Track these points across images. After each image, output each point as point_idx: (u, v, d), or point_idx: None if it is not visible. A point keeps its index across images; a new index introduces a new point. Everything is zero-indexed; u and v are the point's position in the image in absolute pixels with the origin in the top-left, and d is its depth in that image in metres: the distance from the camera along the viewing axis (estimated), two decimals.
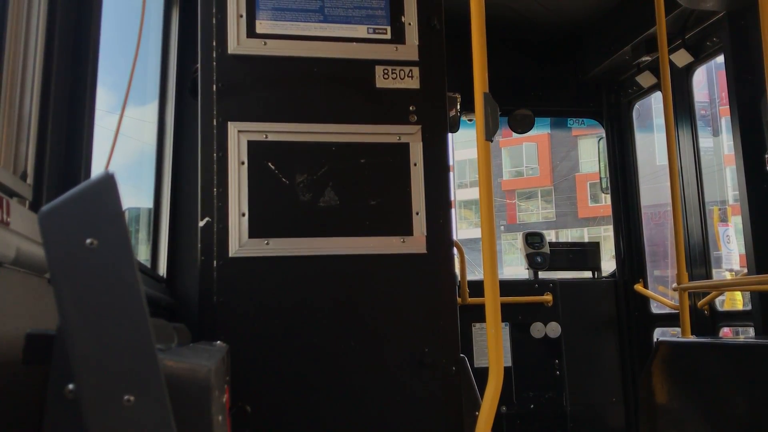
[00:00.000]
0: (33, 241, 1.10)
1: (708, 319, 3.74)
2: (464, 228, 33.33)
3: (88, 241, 0.83)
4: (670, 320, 4.17)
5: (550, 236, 27.13)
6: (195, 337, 2.00)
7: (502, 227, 32.39)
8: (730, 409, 2.48)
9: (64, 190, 0.87)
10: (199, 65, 2.12)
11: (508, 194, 34.54)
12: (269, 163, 2.09)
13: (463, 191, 34.17)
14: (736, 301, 7.48)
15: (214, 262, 2.02)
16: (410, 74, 2.21)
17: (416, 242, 2.14)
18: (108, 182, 0.84)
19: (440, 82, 2.24)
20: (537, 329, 4.12)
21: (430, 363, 2.09)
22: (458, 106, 3.45)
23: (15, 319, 1.08)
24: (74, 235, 0.82)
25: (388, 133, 2.17)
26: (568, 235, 31.18)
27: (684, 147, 3.99)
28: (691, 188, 3.95)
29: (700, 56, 3.81)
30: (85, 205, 0.83)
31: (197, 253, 2.05)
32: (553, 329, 4.12)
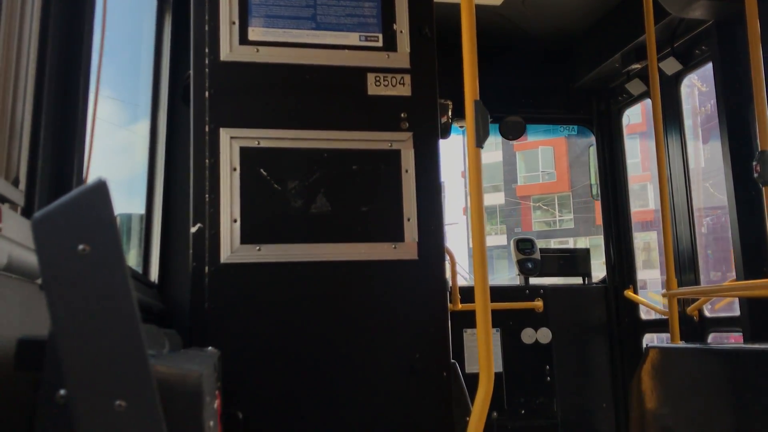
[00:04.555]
0: (25, 247, 1.10)
1: (697, 325, 3.77)
2: None
3: (81, 247, 0.83)
4: (660, 326, 4.19)
5: (568, 244, 25.85)
6: (186, 343, 2.00)
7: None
8: (719, 414, 2.50)
9: (57, 197, 0.87)
10: (191, 72, 2.13)
11: (523, 200, 33.30)
12: (261, 170, 2.10)
13: None
14: None
15: (206, 268, 2.02)
16: (402, 81, 2.23)
17: (408, 248, 2.15)
18: (100, 189, 0.85)
19: (432, 90, 2.25)
20: (528, 335, 4.14)
21: (421, 369, 2.10)
22: (450, 113, 3.46)
23: (7, 325, 1.08)
24: (66, 241, 0.83)
25: (380, 140, 2.18)
26: (587, 243, 29.52)
27: (673, 154, 4.02)
28: (680, 195, 3.98)
29: (689, 64, 3.85)
30: (78, 212, 0.84)
31: (189, 259, 2.05)
32: (544, 335, 4.14)
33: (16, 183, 1.27)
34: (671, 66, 3.86)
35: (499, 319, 4.01)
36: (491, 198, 33.51)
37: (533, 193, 33.37)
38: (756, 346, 2.51)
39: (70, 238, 0.83)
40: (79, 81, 1.53)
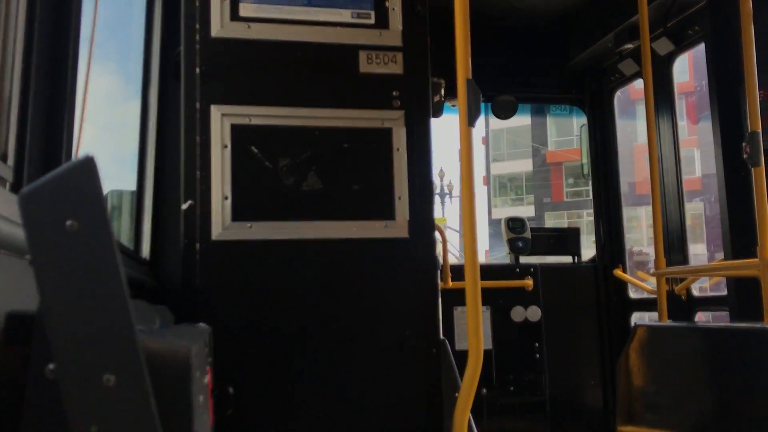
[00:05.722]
0: (13, 223, 1.10)
1: (685, 304, 3.81)
2: (498, 206, 29.59)
3: (69, 223, 0.83)
4: (648, 305, 4.23)
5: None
6: (178, 319, 2.01)
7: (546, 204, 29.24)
8: (703, 390, 2.54)
9: (45, 172, 0.87)
10: (182, 48, 2.11)
11: (554, 167, 30.11)
12: (252, 147, 2.09)
13: (499, 165, 29.82)
14: None
15: (197, 245, 2.03)
16: (394, 59, 2.22)
17: (398, 227, 2.16)
18: (88, 165, 0.85)
19: (424, 68, 2.24)
20: (517, 313, 4.17)
21: (411, 346, 2.12)
22: (442, 92, 3.45)
23: None
24: (55, 216, 0.83)
25: (372, 118, 2.18)
26: (624, 215, 26.28)
27: (664, 134, 4.03)
28: (670, 175, 3.99)
29: (682, 44, 3.84)
30: (66, 187, 0.84)
31: (180, 236, 2.05)
32: (534, 313, 4.17)
33: (4, 158, 1.26)
34: (664, 46, 3.85)
35: (489, 297, 4.03)
36: (518, 165, 31.07)
37: (566, 159, 29.53)
38: (740, 324, 2.54)
39: (58, 213, 0.83)
40: (68, 55, 1.52)
